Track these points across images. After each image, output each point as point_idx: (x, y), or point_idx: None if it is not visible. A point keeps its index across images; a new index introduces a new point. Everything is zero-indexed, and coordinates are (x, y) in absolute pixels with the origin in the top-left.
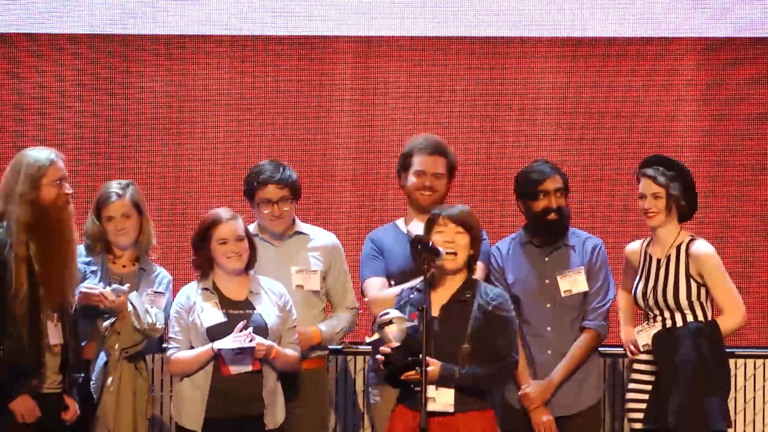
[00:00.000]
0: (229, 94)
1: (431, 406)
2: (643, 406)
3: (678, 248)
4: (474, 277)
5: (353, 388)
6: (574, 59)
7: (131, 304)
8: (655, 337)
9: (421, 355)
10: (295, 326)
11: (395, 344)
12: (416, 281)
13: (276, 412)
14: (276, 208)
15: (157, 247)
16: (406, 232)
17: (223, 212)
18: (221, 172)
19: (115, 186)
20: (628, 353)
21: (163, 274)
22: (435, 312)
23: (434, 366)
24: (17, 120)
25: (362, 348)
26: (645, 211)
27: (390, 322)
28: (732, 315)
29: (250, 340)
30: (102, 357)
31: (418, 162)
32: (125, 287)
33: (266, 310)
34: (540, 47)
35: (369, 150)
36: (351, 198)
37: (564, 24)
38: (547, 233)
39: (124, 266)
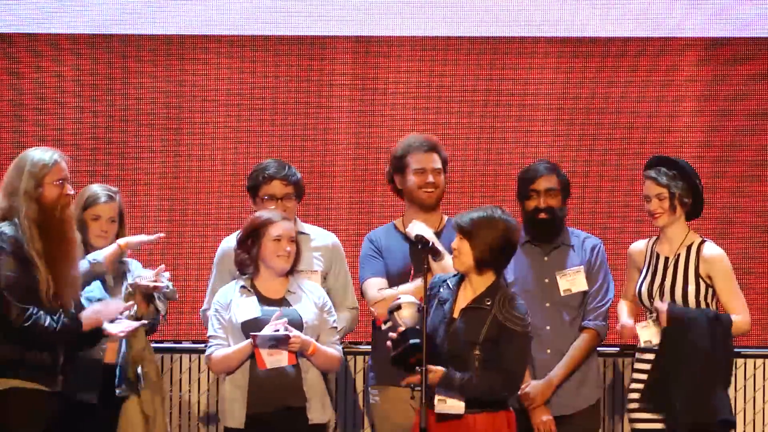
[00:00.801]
0: (229, 94)
1: (442, 408)
2: (650, 415)
3: (688, 248)
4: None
5: (353, 388)
6: (574, 58)
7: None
8: (670, 312)
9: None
10: (335, 327)
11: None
12: (449, 275)
13: (321, 408)
14: (280, 205)
15: (158, 247)
16: (404, 232)
17: (276, 213)
18: (221, 172)
19: (103, 189)
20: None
21: (136, 264)
22: (456, 313)
23: (436, 371)
24: (17, 119)
25: (362, 348)
26: (651, 213)
27: (399, 308)
28: (740, 319)
29: (285, 330)
30: (121, 357)
31: (415, 161)
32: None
33: (303, 308)
34: (540, 46)
35: (369, 150)
36: (351, 198)
37: (564, 23)
38: (538, 233)
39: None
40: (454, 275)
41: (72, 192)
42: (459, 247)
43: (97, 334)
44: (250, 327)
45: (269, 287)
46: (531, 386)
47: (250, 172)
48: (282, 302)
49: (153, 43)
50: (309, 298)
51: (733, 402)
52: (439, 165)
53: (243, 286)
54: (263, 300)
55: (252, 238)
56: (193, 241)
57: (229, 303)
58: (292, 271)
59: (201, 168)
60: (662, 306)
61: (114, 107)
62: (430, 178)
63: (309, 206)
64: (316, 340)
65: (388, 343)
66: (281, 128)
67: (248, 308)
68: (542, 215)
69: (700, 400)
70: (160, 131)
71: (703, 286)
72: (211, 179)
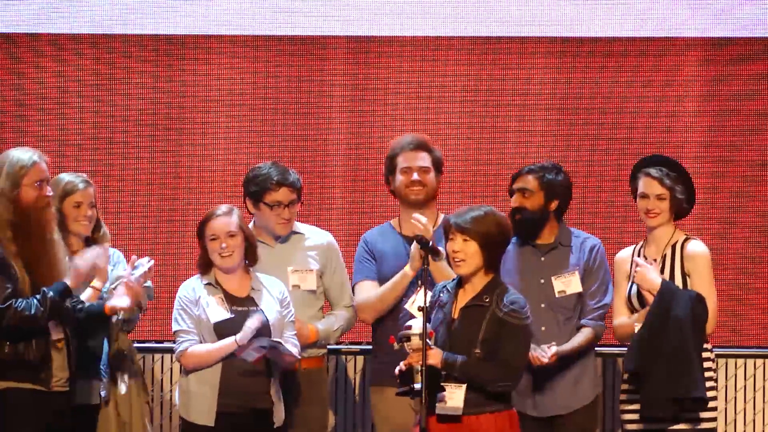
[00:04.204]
0: (229, 94)
1: (441, 409)
2: (637, 406)
3: (673, 247)
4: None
5: (353, 388)
6: (576, 58)
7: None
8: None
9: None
10: (293, 321)
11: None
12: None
13: (280, 410)
14: (286, 211)
15: (158, 247)
16: (400, 232)
17: (218, 208)
18: (221, 172)
19: (76, 176)
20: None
21: (117, 254)
22: (455, 314)
23: (435, 354)
24: (19, 118)
25: (361, 348)
26: (647, 211)
27: (409, 339)
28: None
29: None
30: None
31: (402, 160)
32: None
33: (267, 307)
34: (541, 46)
35: (367, 150)
36: (348, 198)
37: (565, 23)
38: (514, 232)
39: None
40: (453, 279)
41: (51, 193)
42: (463, 250)
43: (103, 317)
44: (223, 328)
45: (232, 284)
46: (537, 349)
47: (249, 177)
48: (248, 301)
49: (154, 43)
50: (271, 294)
51: (733, 402)
52: (426, 163)
53: (208, 283)
54: (231, 299)
55: (199, 237)
56: (193, 241)
57: (197, 299)
58: (250, 264)
59: (201, 168)
60: (656, 279)
61: (115, 107)
62: (415, 176)
63: (306, 206)
64: (280, 336)
65: (397, 371)
66: (280, 128)
67: (218, 308)
68: (516, 215)
69: (673, 373)
70: (160, 131)
71: (690, 284)
72: (211, 179)
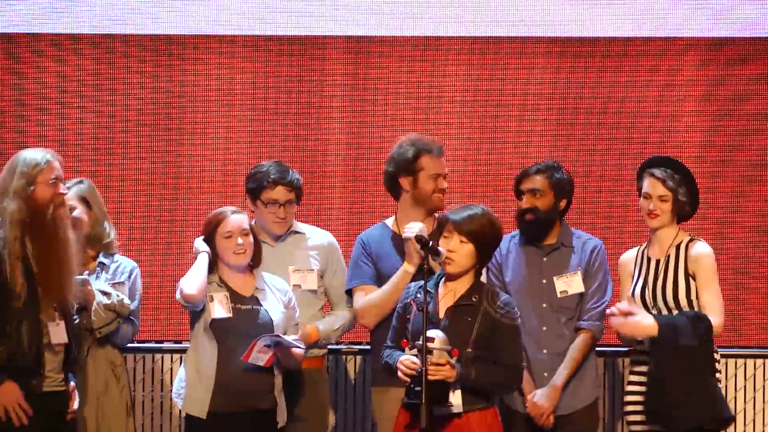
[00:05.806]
0: (229, 94)
1: (440, 410)
2: (643, 417)
3: (677, 248)
4: (482, 280)
5: (353, 388)
6: (575, 58)
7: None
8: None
9: (427, 374)
10: (297, 323)
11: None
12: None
13: (283, 410)
14: (282, 210)
15: (158, 247)
16: (398, 232)
17: (228, 208)
18: (221, 172)
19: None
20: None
21: (124, 264)
22: (441, 314)
23: (451, 371)
24: (19, 118)
25: (361, 348)
26: (649, 211)
27: (430, 352)
28: (714, 320)
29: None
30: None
31: (433, 166)
32: (84, 275)
33: (272, 307)
34: (541, 46)
35: (367, 150)
36: (347, 198)
37: (565, 23)
38: (524, 233)
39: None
40: (428, 279)
41: (66, 192)
42: (458, 250)
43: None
44: (220, 326)
45: (236, 283)
46: (538, 395)
47: (250, 174)
48: (252, 300)
49: (154, 43)
50: (275, 295)
51: (733, 402)
52: (446, 170)
53: (212, 282)
54: (235, 297)
55: (208, 237)
56: (193, 241)
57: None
58: (255, 265)
59: (201, 168)
60: (651, 323)
61: (115, 107)
62: (445, 184)
63: (306, 206)
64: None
65: (410, 370)
66: (280, 128)
67: (221, 306)
68: (527, 216)
69: (698, 400)
70: (160, 131)
71: (693, 285)
72: (211, 179)
